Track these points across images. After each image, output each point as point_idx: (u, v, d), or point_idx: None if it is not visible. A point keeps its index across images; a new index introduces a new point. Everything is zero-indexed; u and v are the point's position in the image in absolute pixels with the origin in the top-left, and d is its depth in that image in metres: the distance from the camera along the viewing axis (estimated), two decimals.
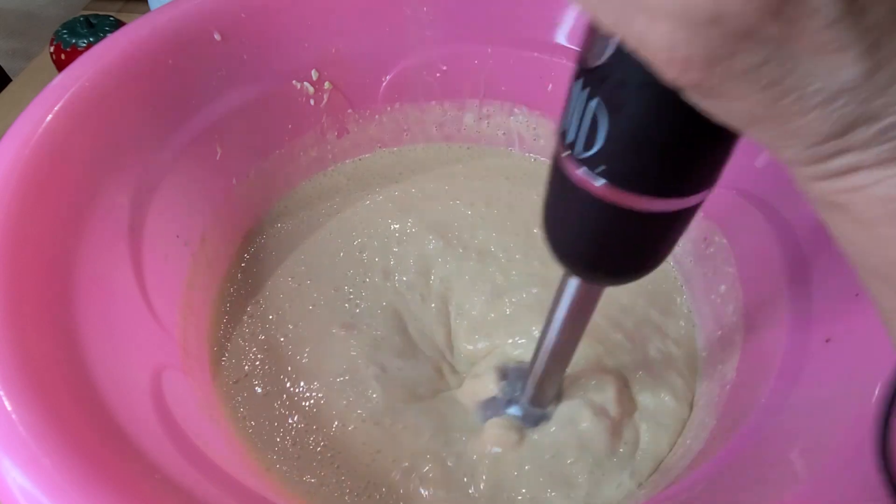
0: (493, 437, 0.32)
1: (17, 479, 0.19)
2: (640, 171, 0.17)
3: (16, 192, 0.25)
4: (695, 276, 0.39)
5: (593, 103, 0.16)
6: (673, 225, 0.19)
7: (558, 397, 0.33)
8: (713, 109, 0.13)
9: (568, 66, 0.43)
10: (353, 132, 0.45)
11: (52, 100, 0.28)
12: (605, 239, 0.19)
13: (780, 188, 0.33)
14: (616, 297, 0.39)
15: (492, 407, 0.33)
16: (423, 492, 0.31)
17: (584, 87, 0.16)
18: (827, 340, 0.27)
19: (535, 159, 0.47)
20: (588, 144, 0.17)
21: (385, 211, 0.43)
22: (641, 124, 0.16)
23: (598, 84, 0.16)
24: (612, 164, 0.17)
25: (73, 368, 0.24)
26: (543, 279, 0.39)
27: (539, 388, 0.31)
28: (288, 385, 0.34)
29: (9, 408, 0.20)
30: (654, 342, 0.37)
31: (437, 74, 0.44)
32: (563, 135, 0.18)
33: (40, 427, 0.20)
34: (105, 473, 0.20)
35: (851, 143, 0.12)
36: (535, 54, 0.43)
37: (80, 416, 0.22)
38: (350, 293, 0.38)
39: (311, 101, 0.41)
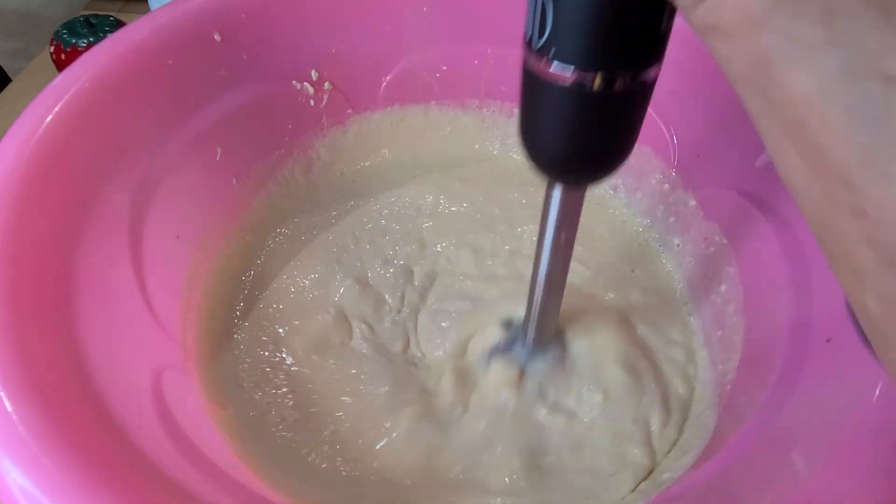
0: (496, 377, 0.32)
1: (17, 478, 0.19)
2: (585, 46, 0.18)
3: (16, 192, 0.25)
4: (695, 276, 0.39)
5: None
6: (633, 103, 0.20)
7: (559, 336, 0.33)
8: None
9: None
10: (353, 132, 0.45)
11: (52, 100, 0.28)
12: (573, 126, 0.21)
13: (780, 188, 0.33)
14: (616, 297, 0.39)
15: (494, 354, 0.34)
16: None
17: None
18: (827, 340, 0.27)
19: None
20: (541, 33, 0.18)
21: (385, 211, 0.43)
22: (584, 3, 0.18)
23: None
24: (560, 44, 0.18)
25: (73, 368, 0.24)
26: None
27: (539, 322, 0.31)
28: (289, 385, 0.34)
29: (9, 408, 0.20)
30: (653, 342, 0.37)
31: (437, 74, 0.44)
32: (524, 38, 0.20)
33: (40, 427, 0.20)
34: (105, 473, 0.20)
35: None
36: None
37: (80, 417, 0.22)
38: (351, 293, 0.38)
39: (311, 101, 0.41)
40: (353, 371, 0.35)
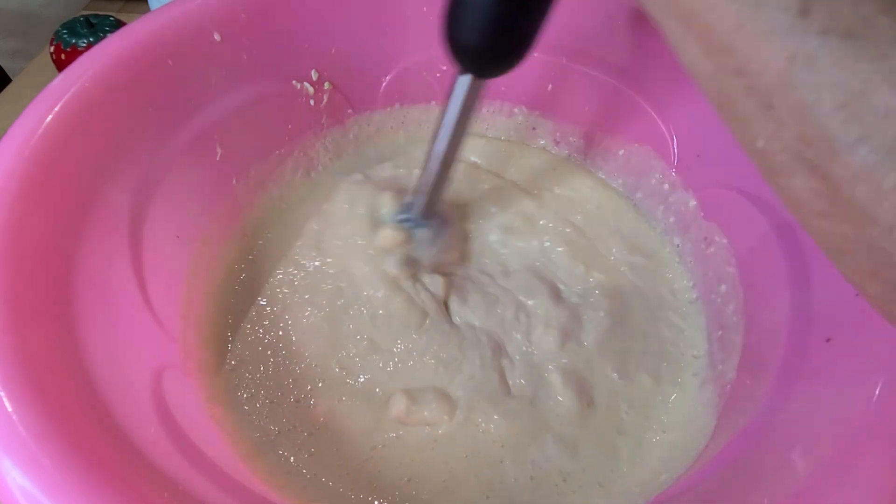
0: (386, 236, 0.37)
1: (18, 479, 0.19)
2: None
3: (16, 192, 0.25)
4: (695, 275, 0.39)
5: None
6: (533, 6, 0.26)
7: (442, 215, 0.38)
8: None
9: (568, 67, 0.43)
10: (353, 132, 0.45)
11: (52, 100, 0.28)
12: (490, 18, 0.26)
13: None
14: (614, 294, 0.39)
15: (387, 218, 0.38)
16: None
17: None
18: (827, 340, 0.27)
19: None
20: None
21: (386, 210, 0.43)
22: None
23: None
24: None
25: (74, 368, 0.24)
26: (536, 274, 0.39)
27: (428, 196, 0.36)
28: (289, 385, 0.34)
29: (9, 408, 0.20)
30: (652, 342, 0.37)
31: (437, 74, 0.44)
32: None
33: (40, 427, 0.20)
34: (105, 474, 0.20)
35: None
36: (535, 54, 0.42)
37: (80, 417, 0.22)
38: (351, 293, 0.38)
39: (311, 102, 0.41)
40: (360, 366, 0.35)
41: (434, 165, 0.33)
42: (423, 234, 0.37)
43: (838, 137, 0.16)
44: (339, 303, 0.37)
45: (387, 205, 0.39)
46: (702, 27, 0.17)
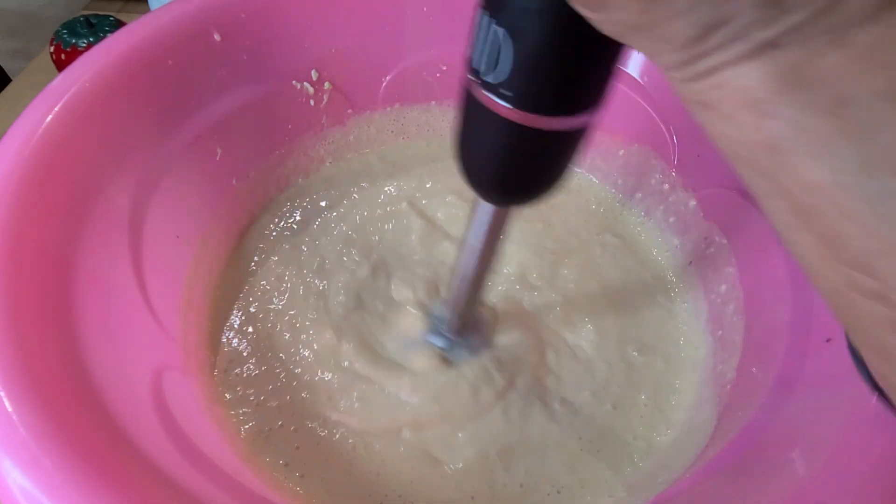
0: (420, 364, 0.34)
1: (18, 479, 0.19)
2: (542, 92, 0.18)
3: (16, 192, 0.25)
4: (695, 276, 0.39)
5: (496, 30, 0.18)
6: (573, 142, 0.21)
7: (476, 327, 0.35)
8: (598, 20, 0.15)
9: None
10: (353, 132, 0.45)
11: (52, 100, 0.28)
12: (513, 158, 0.21)
13: None
14: (614, 295, 0.39)
15: (417, 342, 0.35)
16: None
17: (486, 16, 0.18)
18: (827, 340, 0.27)
19: None
20: (492, 70, 0.18)
21: (385, 211, 0.43)
22: (541, 48, 0.17)
23: (498, 12, 0.18)
24: (515, 87, 0.18)
25: (74, 369, 0.24)
26: (540, 274, 0.39)
27: (459, 314, 0.32)
28: (290, 385, 0.34)
29: (9, 408, 0.20)
30: (652, 341, 0.37)
31: (437, 74, 0.44)
32: (469, 61, 0.19)
33: (41, 428, 0.20)
34: (106, 474, 0.20)
35: (711, 45, 0.13)
36: None
37: (80, 417, 0.22)
38: (352, 292, 0.38)
39: (311, 101, 0.41)
40: (355, 368, 0.35)
41: (462, 285, 0.30)
42: (459, 354, 0.35)
43: None
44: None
45: (414, 325, 0.36)
46: (826, 230, 0.14)
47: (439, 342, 0.35)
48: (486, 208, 0.25)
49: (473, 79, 0.19)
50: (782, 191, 0.14)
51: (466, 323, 0.34)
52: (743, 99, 0.13)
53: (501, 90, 0.18)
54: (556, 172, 0.22)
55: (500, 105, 0.19)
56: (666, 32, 0.13)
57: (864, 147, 0.12)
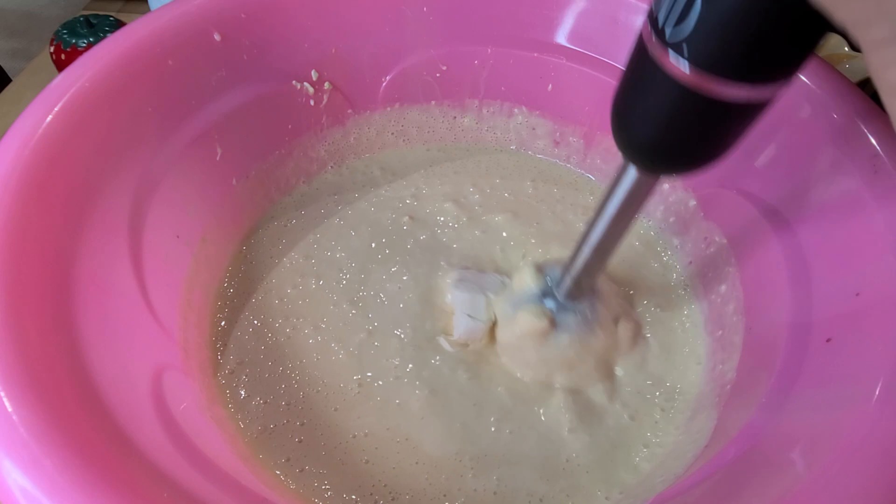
0: (525, 322, 0.32)
1: (18, 479, 0.19)
2: (729, 54, 0.17)
3: (16, 192, 0.25)
4: (695, 276, 0.39)
5: None
6: (749, 114, 0.19)
7: (593, 291, 0.33)
8: None
9: (568, 66, 0.43)
10: (353, 132, 0.45)
11: (52, 100, 0.28)
12: (684, 126, 0.19)
13: (780, 188, 0.33)
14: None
15: (527, 299, 0.33)
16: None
17: None
18: (827, 340, 0.27)
19: (534, 158, 0.47)
20: (677, 22, 0.17)
21: (385, 211, 0.43)
22: (735, 6, 0.16)
23: None
24: (702, 46, 0.17)
25: (74, 369, 0.24)
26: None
27: (577, 280, 0.31)
28: (290, 385, 0.34)
29: (9, 408, 0.20)
30: (652, 342, 0.37)
31: (437, 74, 0.44)
32: (653, 18, 0.18)
33: (41, 428, 0.20)
34: (106, 474, 0.20)
35: None
36: (535, 54, 0.43)
37: (80, 417, 0.22)
38: (351, 292, 0.38)
39: (311, 102, 0.41)
40: (359, 367, 0.35)
41: (587, 251, 0.29)
42: (567, 319, 0.33)
43: None
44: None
45: (527, 279, 0.34)
46: None
47: (550, 304, 0.33)
48: (633, 174, 0.24)
49: (651, 33, 0.18)
50: None
51: (582, 291, 0.32)
52: None
53: (683, 49, 0.17)
54: (721, 146, 0.21)
55: (679, 63, 0.17)
56: (889, 4, 0.12)
57: None
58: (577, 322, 0.33)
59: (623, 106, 0.21)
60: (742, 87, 0.17)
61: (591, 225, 0.28)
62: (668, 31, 0.17)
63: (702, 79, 0.17)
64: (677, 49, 0.17)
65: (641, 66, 0.19)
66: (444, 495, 0.31)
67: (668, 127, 0.20)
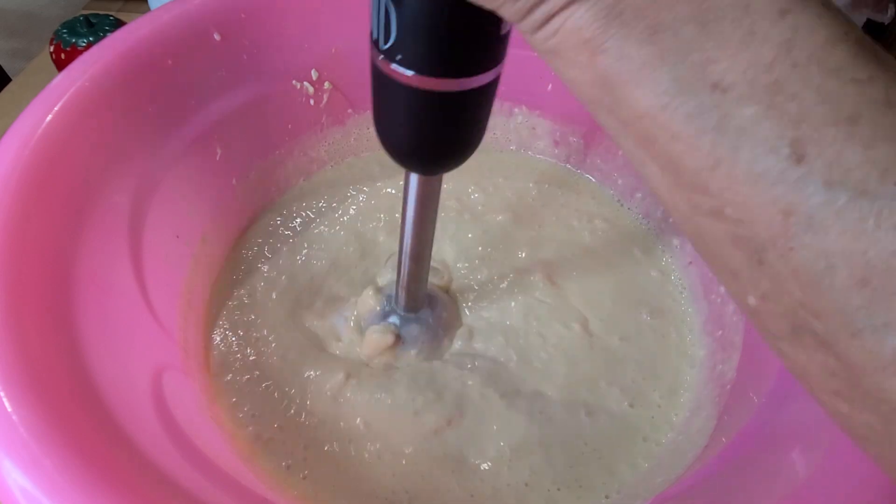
0: (371, 341, 0.34)
1: (18, 479, 0.19)
2: (428, 54, 0.19)
3: (16, 192, 0.25)
4: (695, 276, 0.39)
5: (383, 1, 0.19)
6: (474, 103, 0.21)
7: (429, 301, 0.35)
8: None
9: None
10: (353, 132, 0.45)
11: (52, 100, 0.28)
12: (420, 123, 0.22)
13: None
14: (614, 294, 0.39)
15: (371, 319, 0.35)
16: None
17: None
18: None
19: (534, 158, 0.47)
20: (386, 38, 0.19)
21: (385, 211, 0.43)
22: (419, 12, 0.18)
23: None
24: (406, 51, 0.19)
25: (74, 369, 0.24)
26: (543, 270, 0.39)
27: (408, 290, 0.33)
28: (289, 385, 0.34)
29: (9, 408, 0.20)
30: (651, 343, 0.37)
31: None
32: (371, 36, 0.20)
33: (41, 428, 0.20)
34: (106, 474, 0.20)
35: None
36: (535, 54, 0.42)
37: (80, 417, 0.22)
38: (351, 293, 0.38)
39: (311, 101, 0.41)
40: (354, 370, 0.35)
41: (406, 260, 0.30)
42: (411, 330, 0.35)
43: (858, 319, 0.13)
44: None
45: (367, 303, 0.36)
46: (663, 155, 0.15)
47: (393, 319, 0.35)
48: (415, 179, 0.26)
49: (374, 51, 0.20)
50: (625, 124, 0.15)
51: (416, 299, 0.34)
52: (577, 40, 0.14)
53: (398, 56, 0.19)
54: (466, 134, 0.23)
55: (399, 71, 0.19)
56: None
57: (677, 68, 0.13)
58: (421, 330, 0.35)
59: (378, 119, 0.23)
60: (452, 81, 0.20)
61: (401, 236, 0.29)
62: (384, 46, 0.19)
63: (419, 80, 0.19)
64: (393, 59, 0.19)
65: (378, 80, 0.21)
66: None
67: (419, 128, 0.22)
